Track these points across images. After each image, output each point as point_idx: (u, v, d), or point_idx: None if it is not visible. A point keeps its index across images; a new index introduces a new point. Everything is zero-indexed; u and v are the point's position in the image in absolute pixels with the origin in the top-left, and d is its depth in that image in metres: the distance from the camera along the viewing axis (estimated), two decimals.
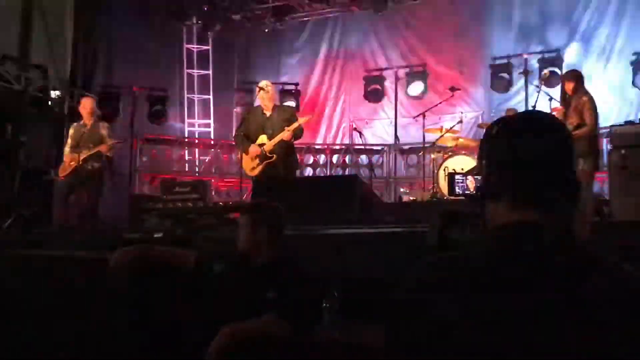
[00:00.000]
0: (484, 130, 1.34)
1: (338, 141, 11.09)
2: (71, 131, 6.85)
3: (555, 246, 1.14)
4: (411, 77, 10.36)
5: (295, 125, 6.05)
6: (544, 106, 6.45)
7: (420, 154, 8.92)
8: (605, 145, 7.33)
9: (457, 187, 6.94)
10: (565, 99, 5.82)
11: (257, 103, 6.82)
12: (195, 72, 11.30)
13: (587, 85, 5.77)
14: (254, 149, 6.11)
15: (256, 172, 6.17)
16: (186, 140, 10.53)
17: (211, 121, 11.23)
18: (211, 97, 11.26)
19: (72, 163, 6.60)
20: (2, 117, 7.60)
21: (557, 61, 9.20)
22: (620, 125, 6.50)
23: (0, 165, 7.41)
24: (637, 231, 4.71)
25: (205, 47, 11.33)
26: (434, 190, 7.64)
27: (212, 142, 10.62)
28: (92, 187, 6.73)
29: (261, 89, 6.23)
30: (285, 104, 9.40)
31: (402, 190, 9.41)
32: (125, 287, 3.14)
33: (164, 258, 3.03)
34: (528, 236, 1.15)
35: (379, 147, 10.22)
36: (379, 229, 4.53)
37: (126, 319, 3.20)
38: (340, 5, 10.84)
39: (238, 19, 10.96)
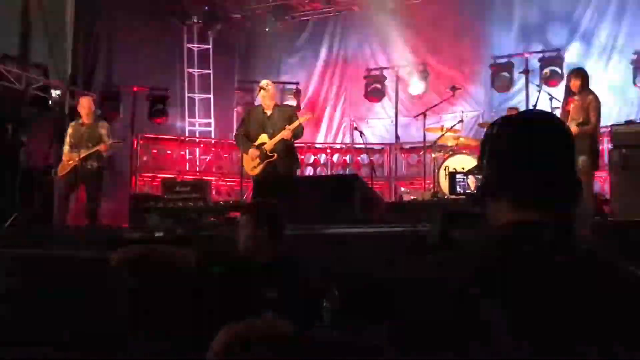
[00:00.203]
0: (485, 129, 1.33)
1: (339, 140, 11.08)
2: (70, 130, 6.85)
3: (556, 246, 1.14)
4: (412, 76, 10.36)
5: (295, 124, 6.05)
6: (544, 105, 6.46)
7: (421, 153, 8.91)
8: (606, 144, 7.34)
9: (458, 187, 6.94)
10: (569, 95, 5.86)
11: (257, 102, 6.81)
12: (196, 71, 11.29)
13: None
14: (253, 151, 6.11)
15: (257, 171, 6.17)
16: (187, 139, 10.51)
17: (212, 120, 11.22)
18: (212, 96, 11.25)
19: (70, 162, 6.60)
20: (2, 117, 7.60)
21: (558, 60, 9.19)
22: (621, 124, 6.51)
23: (0, 165, 7.41)
24: (637, 230, 4.70)
25: (205, 47, 11.31)
26: (435, 190, 7.63)
27: (213, 142, 10.61)
28: (93, 186, 6.74)
29: (262, 88, 6.22)
30: (286, 103, 9.40)
31: (402, 189, 9.40)
32: (125, 287, 3.14)
33: (165, 257, 3.03)
34: (528, 236, 1.15)
35: (379, 147, 10.21)
36: (379, 229, 4.53)
37: (126, 318, 3.20)
38: (341, 4, 10.84)
39: (238, 18, 10.96)
